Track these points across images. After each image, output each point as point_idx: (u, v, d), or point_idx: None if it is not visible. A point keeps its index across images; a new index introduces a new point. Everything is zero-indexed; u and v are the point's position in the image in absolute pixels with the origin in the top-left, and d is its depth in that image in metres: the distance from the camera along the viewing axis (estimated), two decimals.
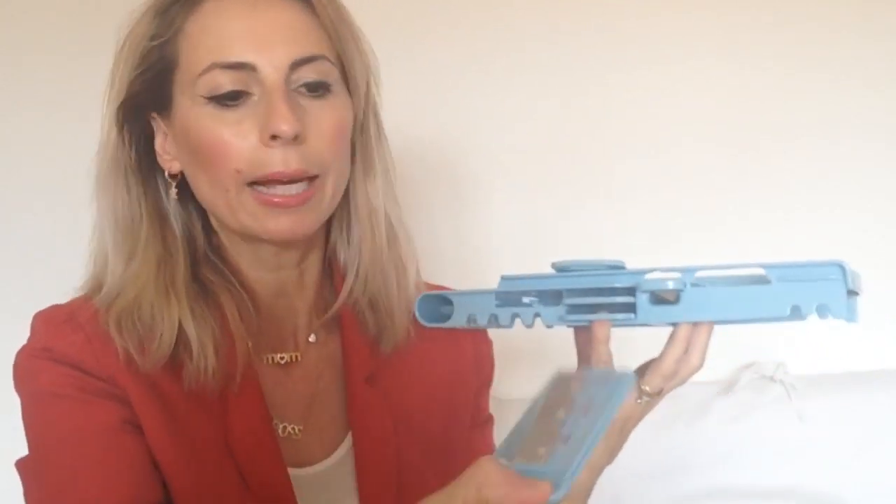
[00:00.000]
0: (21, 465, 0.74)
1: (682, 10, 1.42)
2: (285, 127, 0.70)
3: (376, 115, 0.83)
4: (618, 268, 0.68)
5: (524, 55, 1.40)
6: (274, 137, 0.71)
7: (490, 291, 0.71)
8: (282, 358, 0.81)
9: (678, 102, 1.42)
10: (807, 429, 1.33)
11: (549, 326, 0.71)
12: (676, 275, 0.64)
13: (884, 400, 1.36)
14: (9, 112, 1.29)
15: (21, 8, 1.30)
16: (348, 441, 0.81)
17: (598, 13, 1.41)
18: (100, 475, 0.70)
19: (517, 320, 0.73)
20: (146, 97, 0.76)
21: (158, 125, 0.78)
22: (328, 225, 0.82)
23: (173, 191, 0.78)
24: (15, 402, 0.75)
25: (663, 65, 1.42)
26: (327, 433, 0.81)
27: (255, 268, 0.80)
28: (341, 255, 0.83)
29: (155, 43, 0.74)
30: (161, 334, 0.72)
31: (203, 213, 0.80)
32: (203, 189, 0.75)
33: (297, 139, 0.71)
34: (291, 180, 0.72)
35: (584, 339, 0.77)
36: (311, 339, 0.83)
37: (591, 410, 0.57)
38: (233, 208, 0.74)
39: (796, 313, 0.61)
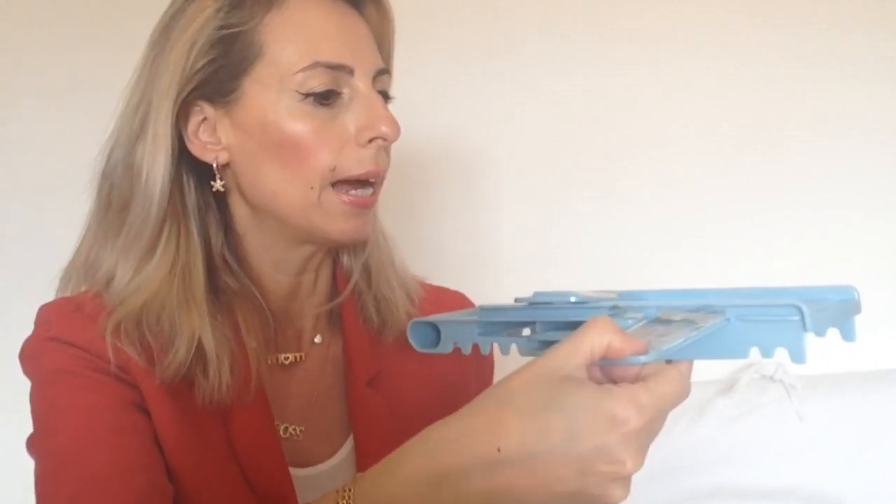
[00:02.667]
0: (29, 442, 0.73)
1: (684, 11, 1.42)
2: (389, 129, 0.74)
3: None
4: (583, 303, 0.68)
5: (533, 55, 1.40)
6: (372, 140, 0.74)
7: (472, 322, 0.72)
8: (286, 358, 0.81)
9: (687, 102, 1.43)
10: (807, 429, 1.33)
11: (523, 356, 0.71)
12: (639, 315, 0.62)
13: (883, 400, 1.36)
14: (8, 107, 1.29)
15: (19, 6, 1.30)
16: (350, 443, 0.81)
17: (611, 13, 1.42)
18: (107, 447, 0.69)
19: (495, 347, 0.74)
20: (207, 86, 0.74)
21: (200, 111, 0.75)
22: None
23: (219, 182, 0.76)
24: (14, 404, 0.75)
25: (671, 64, 1.42)
26: (329, 434, 0.81)
27: (276, 271, 0.80)
28: (345, 259, 0.85)
29: (226, 32, 0.73)
30: (178, 348, 0.71)
31: (223, 212, 0.78)
32: (272, 184, 0.74)
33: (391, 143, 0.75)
34: (374, 181, 0.75)
35: None
36: (317, 340, 0.84)
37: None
38: (308, 206, 0.74)
39: (757, 353, 0.59)
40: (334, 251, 0.84)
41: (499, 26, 1.40)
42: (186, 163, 0.76)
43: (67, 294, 0.78)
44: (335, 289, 0.85)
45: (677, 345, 0.53)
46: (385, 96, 0.78)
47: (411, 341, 0.80)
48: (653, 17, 1.42)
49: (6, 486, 0.92)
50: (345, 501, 0.56)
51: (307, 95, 0.73)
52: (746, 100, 1.43)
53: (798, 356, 0.57)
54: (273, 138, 0.73)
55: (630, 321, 0.60)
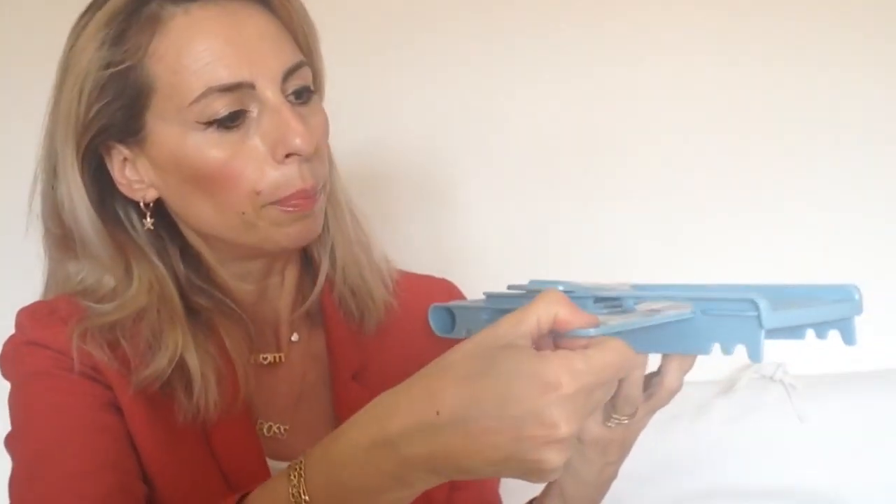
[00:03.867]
0: (6, 442, 0.74)
1: (678, 9, 1.42)
2: (302, 142, 0.69)
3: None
4: (570, 292, 0.68)
5: (506, 54, 1.40)
6: (289, 155, 0.70)
7: (480, 307, 0.72)
8: (265, 358, 0.81)
9: (681, 101, 1.42)
10: (807, 429, 1.33)
11: None
12: (618, 304, 0.62)
13: (884, 400, 1.36)
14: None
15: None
16: None
17: (604, 11, 1.41)
18: (80, 445, 0.68)
19: None
20: (111, 129, 0.71)
21: (119, 152, 0.73)
22: None
23: (149, 221, 0.74)
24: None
25: (664, 63, 1.42)
26: (315, 431, 0.80)
27: (241, 280, 0.79)
28: (315, 252, 0.83)
29: (113, 70, 0.69)
30: (158, 359, 0.71)
31: (178, 238, 0.77)
32: (204, 214, 0.72)
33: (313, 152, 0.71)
34: (309, 194, 0.72)
35: None
36: (294, 338, 0.83)
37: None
38: (248, 227, 0.72)
39: (721, 350, 0.57)
40: (295, 250, 0.82)
41: (481, 25, 1.39)
42: (121, 201, 0.75)
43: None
44: (311, 283, 0.84)
45: (627, 324, 0.54)
46: (303, 93, 0.73)
47: (432, 326, 0.81)
48: (645, 15, 1.41)
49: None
50: (297, 471, 0.57)
51: (210, 123, 0.68)
52: (743, 99, 1.43)
53: (755, 354, 0.54)
54: (189, 172, 0.70)
55: (602, 308, 0.59)
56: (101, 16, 0.70)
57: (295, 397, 0.82)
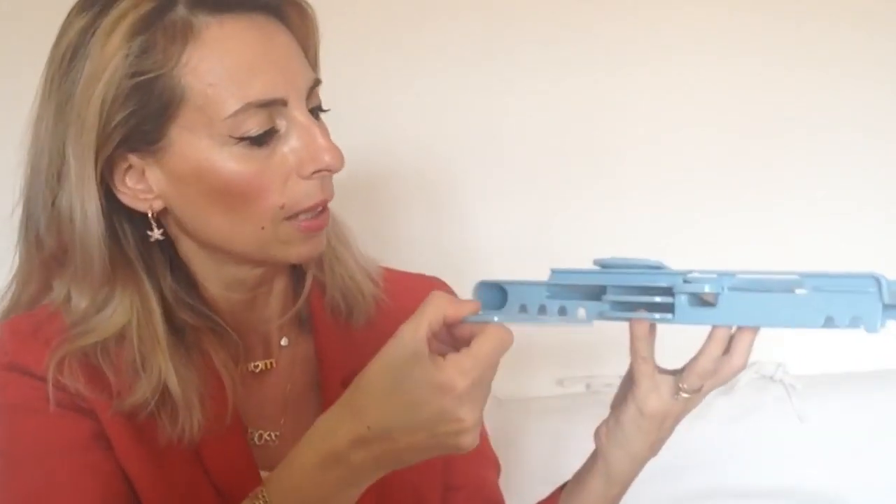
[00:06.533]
0: None
1: (678, 8, 1.42)
2: (331, 160, 0.70)
3: None
4: (658, 268, 0.70)
5: (507, 55, 1.39)
6: (317, 171, 0.70)
7: (542, 284, 0.73)
8: (255, 366, 0.80)
9: (681, 101, 1.42)
10: (807, 429, 1.33)
11: (589, 321, 0.72)
12: (713, 277, 0.67)
13: (884, 400, 1.36)
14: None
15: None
16: None
17: (603, 12, 1.41)
18: (71, 495, 0.68)
19: (562, 313, 0.74)
20: (130, 140, 0.68)
21: (126, 160, 0.70)
22: None
23: (157, 232, 0.72)
24: None
25: (664, 63, 1.42)
26: None
27: (229, 290, 0.78)
28: None
29: (143, 79, 0.66)
30: (142, 386, 0.70)
31: (165, 249, 0.75)
32: (221, 229, 0.71)
33: None
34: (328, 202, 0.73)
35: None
36: (283, 342, 0.82)
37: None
38: (263, 242, 0.71)
39: (829, 323, 0.62)
40: None
41: (479, 26, 1.38)
42: (117, 212, 0.71)
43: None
44: (296, 285, 0.83)
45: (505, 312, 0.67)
46: (319, 109, 0.74)
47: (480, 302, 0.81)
48: (645, 15, 1.41)
49: None
50: (262, 500, 0.65)
51: (241, 139, 0.67)
52: (743, 99, 1.43)
53: (872, 326, 0.60)
54: (212, 185, 0.69)
55: (705, 285, 0.65)
56: (127, 22, 0.66)
57: (284, 403, 0.81)
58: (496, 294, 0.76)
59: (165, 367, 0.70)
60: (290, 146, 0.70)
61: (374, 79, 1.34)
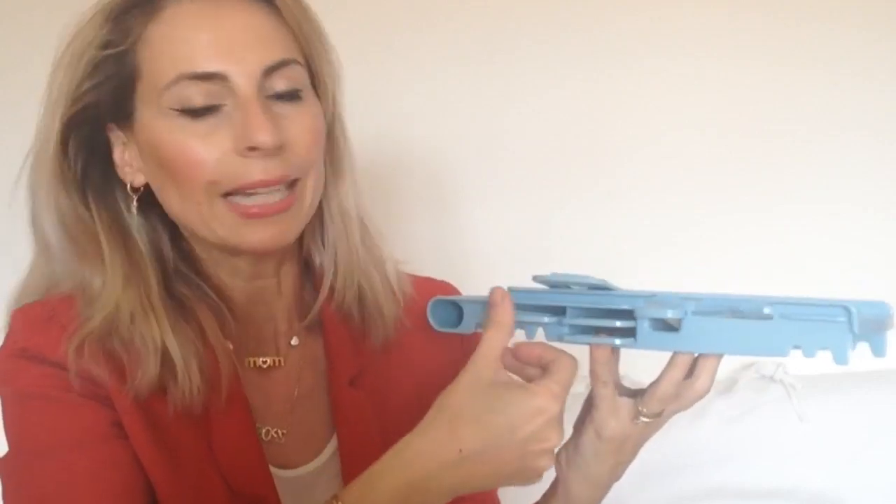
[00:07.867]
0: (1, 464, 0.72)
1: (678, 8, 1.42)
2: (264, 137, 0.69)
3: (341, 118, 0.81)
4: (605, 288, 0.69)
5: (509, 55, 1.39)
6: (252, 149, 0.69)
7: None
8: (264, 362, 0.80)
9: (681, 101, 1.42)
10: (807, 429, 1.33)
11: (549, 340, 0.72)
12: (678, 300, 0.64)
13: (884, 400, 1.36)
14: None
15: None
16: (333, 443, 0.80)
17: (604, 12, 1.41)
18: (90, 489, 0.68)
19: (521, 332, 0.74)
20: (102, 109, 0.73)
21: (117, 136, 0.75)
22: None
23: (134, 204, 0.75)
24: None
25: (664, 63, 1.42)
26: (312, 436, 0.80)
27: (233, 277, 0.78)
28: (317, 259, 0.82)
29: (110, 52, 0.71)
30: (147, 361, 0.70)
31: (170, 225, 0.77)
32: (173, 202, 0.73)
33: (280, 149, 0.70)
34: (272, 185, 0.71)
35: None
36: (294, 342, 0.82)
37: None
38: (206, 220, 0.72)
39: (797, 352, 0.60)
40: (291, 254, 0.81)
41: (482, 26, 1.39)
42: (120, 184, 0.76)
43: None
44: (311, 290, 0.83)
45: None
46: (290, 94, 0.72)
47: (430, 321, 0.80)
48: (646, 15, 1.41)
49: None
50: None
51: (183, 111, 0.70)
52: (744, 99, 1.43)
53: (841, 358, 0.60)
54: (160, 158, 0.71)
55: (668, 311, 0.64)
56: (107, 0, 0.72)
57: (292, 401, 0.81)
58: (451, 311, 0.75)
59: (162, 328, 0.71)
60: (231, 122, 0.70)
61: (374, 80, 1.34)
